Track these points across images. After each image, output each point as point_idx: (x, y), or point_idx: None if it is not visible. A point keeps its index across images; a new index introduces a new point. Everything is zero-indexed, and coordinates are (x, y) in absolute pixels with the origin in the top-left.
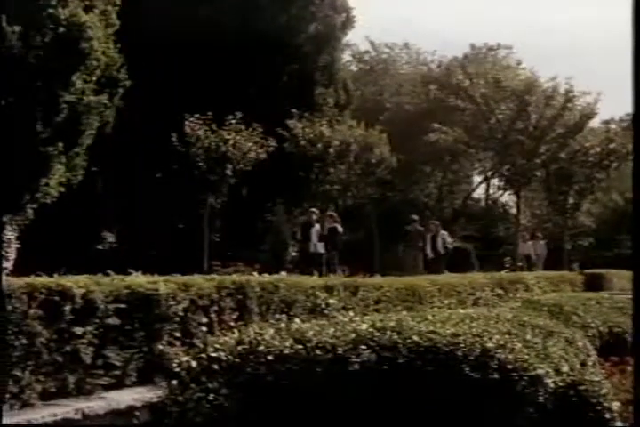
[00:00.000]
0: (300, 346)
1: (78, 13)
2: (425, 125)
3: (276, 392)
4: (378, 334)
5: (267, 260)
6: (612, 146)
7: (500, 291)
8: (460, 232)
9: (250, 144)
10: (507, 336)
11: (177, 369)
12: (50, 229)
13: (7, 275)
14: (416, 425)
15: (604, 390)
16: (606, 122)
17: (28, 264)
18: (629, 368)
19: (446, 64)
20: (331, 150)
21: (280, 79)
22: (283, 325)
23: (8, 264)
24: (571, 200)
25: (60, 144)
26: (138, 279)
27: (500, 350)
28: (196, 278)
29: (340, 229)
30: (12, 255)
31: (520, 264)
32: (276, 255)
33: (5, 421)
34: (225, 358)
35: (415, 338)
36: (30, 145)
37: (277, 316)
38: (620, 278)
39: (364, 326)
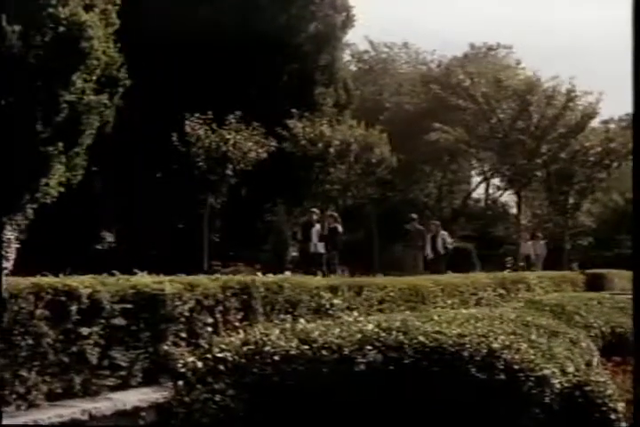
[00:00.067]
0: (306, 346)
1: (78, 13)
2: (424, 125)
3: (283, 393)
4: (384, 334)
5: (267, 260)
6: (612, 145)
7: (502, 291)
8: (459, 232)
9: (250, 144)
10: (512, 337)
11: (183, 370)
12: (49, 229)
13: (7, 275)
14: (422, 425)
15: (609, 391)
16: (605, 122)
17: (27, 264)
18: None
19: (446, 64)
20: (331, 150)
21: (280, 79)
22: (288, 325)
23: (8, 264)
24: (571, 200)
25: (60, 144)
26: (143, 279)
27: (505, 351)
28: (202, 278)
29: (341, 229)
30: (11, 255)
31: (521, 264)
32: (276, 255)
33: (12, 421)
34: (231, 359)
35: (421, 338)
36: (30, 145)
37: (282, 316)
38: (621, 278)
39: (370, 327)
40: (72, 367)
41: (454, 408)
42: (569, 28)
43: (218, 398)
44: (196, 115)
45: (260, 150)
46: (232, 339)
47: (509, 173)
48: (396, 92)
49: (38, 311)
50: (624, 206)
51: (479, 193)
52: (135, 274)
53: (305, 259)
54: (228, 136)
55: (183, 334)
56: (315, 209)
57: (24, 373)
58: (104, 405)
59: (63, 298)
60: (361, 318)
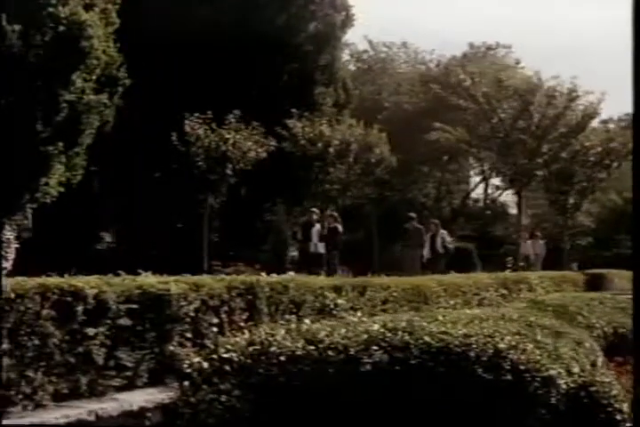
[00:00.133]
0: (312, 347)
1: (78, 12)
2: (423, 125)
3: (288, 393)
4: (389, 334)
5: (267, 260)
6: (612, 145)
7: (504, 291)
8: (458, 232)
9: (250, 143)
10: (517, 337)
11: (188, 370)
12: (49, 229)
13: (6, 275)
14: (428, 426)
15: (614, 392)
16: (604, 122)
17: (27, 264)
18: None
19: (445, 63)
20: (330, 150)
21: (280, 78)
22: (293, 325)
23: (7, 264)
24: (571, 200)
25: (60, 144)
26: (149, 279)
27: (512, 351)
28: (207, 279)
29: (341, 228)
30: (11, 255)
31: (522, 264)
32: (276, 255)
33: (18, 422)
34: (237, 359)
35: (427, 339)
36: (30, 144)
37: (286, 316)
38: (621, 278)
39: (376, 327)
40: (78, 368)
41: (460, 409)
42: (569, 28)
43: (224, 398)
44: (196, 114)
45: (259, 150)
46: (238, 339)
47: (510, 173)
48: (395, 91)
49: (44, 312)
50: (622, 206)
51: (478, 193)
52: (139, 274)
53: (305, 259)
54: (228, 136)
55: (189, 335)
56: (315, 209)
57: (30, 373)
58: (110, 405)
59: (69, 298)
60: (365, 319)
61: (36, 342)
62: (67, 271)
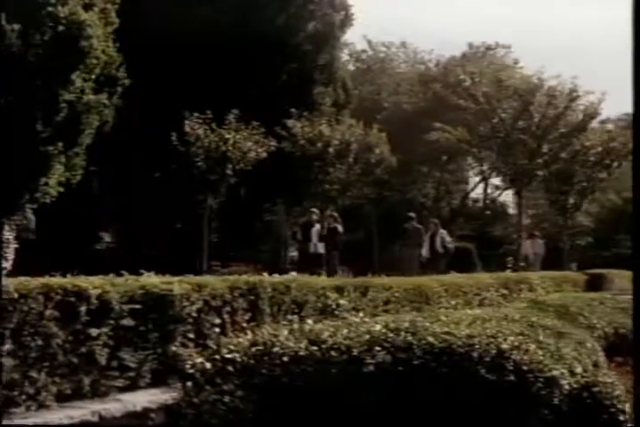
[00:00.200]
0: (315, 347)
1: (78, 11)
2: (423, 125)
3: (291, 394)
4: (392, 335)
5: (266, 260)
6: (612, 145)
7: (504, 291)
8: (458, 232)
9: (250, 144)
10: (520, 337)
11: (191, 371)
12: (48, 229)
13: (6, 275)
14: (431, 426)
15: (617, 392)
16: (603, 122)
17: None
18: None
19: (444, 63)
20: (330, 150)
21: (279, 78)
22: (296, 326)
23: (7, 264)
24: (571, 200)
25: (60, 143)
26: (152, 280)
27: (515, 352)
28: (209, 279)
29: (341, 229)
30: (10, 255)
31: (522, 264)
32: (276, 255)
33: (22, 422)
34: (239, 360)
35: (430, 339)
36: (30, 144)
37: (289, 317)
38: (621, 278)
39: (379, 327)
40: (81, 368)
41: (463, 409)
42: (569, 28)
43: (227, 399)
44: (196, 114)
45: (259, 150)
46: (240, 340)
47: (510, 173)
48: (394, 91)
49: (48, 312)
50: (622, 206)
51: (477, 193)
52: (141, 274)
53: (304, 259)
54: (228, 136)
55: (191, 335)
56: (314, 209)
57: (34, 373)
58: (114, 406)
59: (72, 299)
60: (367, 319)
61: (40, 342)
62: (66, 271)
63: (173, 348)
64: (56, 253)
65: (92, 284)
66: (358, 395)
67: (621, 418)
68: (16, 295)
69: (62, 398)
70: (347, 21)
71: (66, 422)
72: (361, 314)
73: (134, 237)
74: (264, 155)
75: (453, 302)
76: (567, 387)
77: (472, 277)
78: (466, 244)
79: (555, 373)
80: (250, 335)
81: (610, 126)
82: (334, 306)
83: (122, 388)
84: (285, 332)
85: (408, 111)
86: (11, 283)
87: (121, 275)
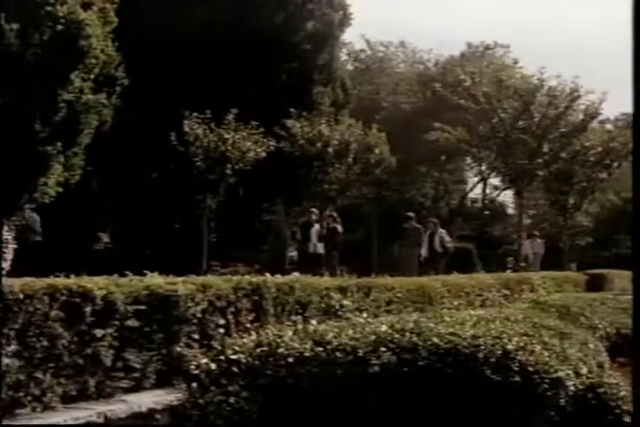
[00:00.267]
0: (320, 348)
1: (76, 11)
2: (421, 125)
3: (297, 395)
4: (397, 335)
5: (266, 260)
6: (612, 145)
7: (506, 291)
8: (457, 232)
9: (249, 143)
10: (525, 338)
11: (196, 372)
12: (47, 229)
13: (5, 275)
14: None
15: (622, 393)
16: (602, 122)
17: (25, 264)
18: None
19: (443, 63)
20: (329, 150)
21: (278, 78)
22: (300, 326)
23: (6, 264)
24: (571, 200)
25: (59, 143)
26: (156, 280)
27: (520, 352)
28: (214, 279)
29: (340, 229)
30: (9, 256)
31: (523, 264)
32: (275, 255)
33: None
34: (244, 361)
35: (435, 340)
36: (29, 144)
37: (292, 317)
38: (622, 279)
39: (384, 328)
40: (86, 369)
41: (468, 410)
42: (569, 28)
43: (232, 400)
44: (195, 114)
45: (258, 150)
46: (245, 340)
47: (510, 173)
48: (393, 91)
49: (53, 313)
50: (622, 206)
51: (476, 193)
52: (145, 275)
53: (304, 259)
54: (227, 136)
55: (196, 336)
56: (314, 209)
57: (39, 375)
58: (119, 407)
59: (78, 299)
60: (370, 320)
61: (45, 343)
62: (67, 271)
63: (178, 349)
64: (55, 254)
65: (97, 284)
66: (363, 396)
67: (626, 419)
68: (21, 296)
69: (67, 400)
70: (345, 21)
71: (72, 423)
72: (364, 314)
73: (133, 237)
74: (263, 155)
75: (456, 303)
76: (572, 388)
77: (474, 277)
78: (466, 244)
79: (560, 374)
80: (254, 336)
81: (610, 126)
82: (338, 306)
83: (127, 389)
84: (290, 332)
85: (407, 111)
86: (16, 283)
87: (125, 275)
